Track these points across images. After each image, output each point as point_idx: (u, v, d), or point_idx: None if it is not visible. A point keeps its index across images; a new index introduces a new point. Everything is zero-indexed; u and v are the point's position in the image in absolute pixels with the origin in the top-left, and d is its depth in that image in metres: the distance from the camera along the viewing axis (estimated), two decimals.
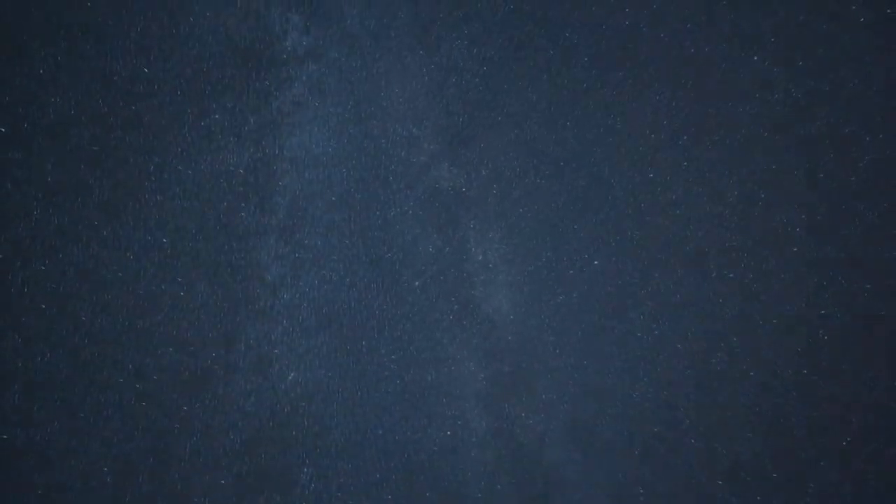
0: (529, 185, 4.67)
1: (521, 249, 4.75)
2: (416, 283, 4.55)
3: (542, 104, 4.57)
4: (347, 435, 4.54)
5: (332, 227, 4.49)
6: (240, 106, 4.16)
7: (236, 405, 4.37)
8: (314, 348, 4.53)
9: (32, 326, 3.96)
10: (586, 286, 4.77)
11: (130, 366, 4.15)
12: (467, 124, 4.59)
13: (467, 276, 4.72)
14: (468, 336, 4.74)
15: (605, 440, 4.87)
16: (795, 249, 4.57)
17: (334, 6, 4.23)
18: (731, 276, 4.66)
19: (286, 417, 4.48)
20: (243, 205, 4.21)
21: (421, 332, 4.66)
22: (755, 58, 4.45)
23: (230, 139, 4.11)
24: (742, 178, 4.66)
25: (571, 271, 4.76)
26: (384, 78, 4.37)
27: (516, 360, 4.84)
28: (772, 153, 4.55)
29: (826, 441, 4.54)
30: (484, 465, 4.81)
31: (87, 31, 3.67)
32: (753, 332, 4.64)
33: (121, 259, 4.09)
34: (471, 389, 4.80)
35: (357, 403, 4.56)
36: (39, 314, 3.94)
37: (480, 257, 4.71)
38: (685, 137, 4.67)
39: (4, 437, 3.82)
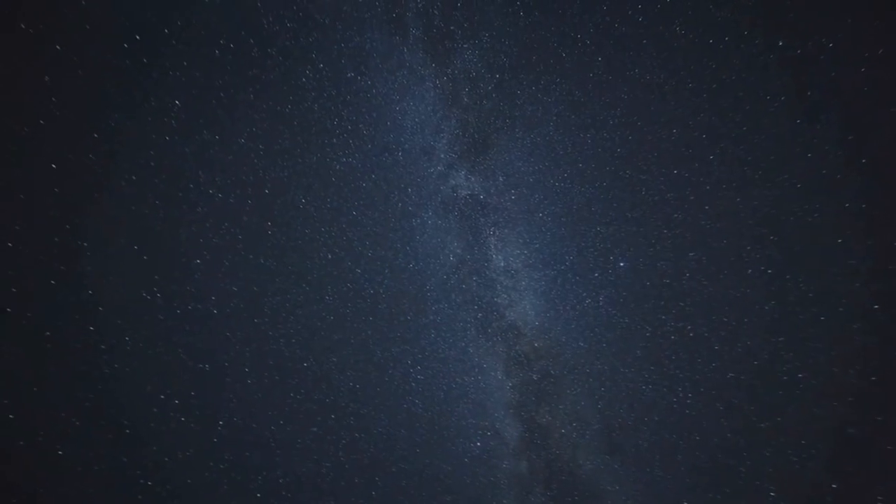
0: (548, 189, 4.58)
1: (544, 254, 4.64)
2: (439, 293, 4.52)
3: (557, 107, 4.49)
4: (375, 445, 4.51)
5: (355, 241, 4.54)
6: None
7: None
8: (339, 361, 4.55)
9: None
10: (613, 289, 4.59)
11: None
12: (483, 132, 4.57)
13: (490, 284, 4.65)
14: (493, 344, 4.65)
15: (644, 449, 4.62)
16: (840, 241, 4.24)
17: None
18: (769, 272, 4.37)
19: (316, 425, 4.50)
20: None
21: (445, 341, 4.61)
22: (781, 43, 4.22)
23: (256, 158, 4.27)
24: (776, 169, 4.39)
25: (597, 274, 4.60)
26: (398, 93, 4.44)
27: (544, 368, 4.69)
28: (807, 144, 4.28)
29: (894, 448, 4.12)
30: (517, 477, 4.65)
31: None
32: (800, 331, 4.31)
33: None
34: (499, 398, 4.68)
35: (384, 414, 4.54)
36: None
37: (502, 264, 4.64)
38: (711, 132, 4.46)
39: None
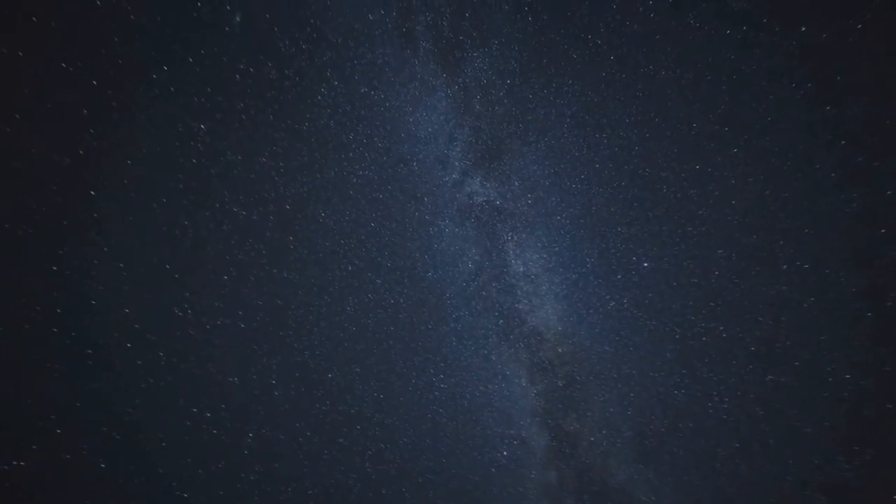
0: (565, 192, 4.49)
1: (563, 257, 4.53)
2: (459, 301, 4.47)
3: (570, 109, 4.42)
4: (401, 456, 4.46)
5: (374, 252, 4.57)
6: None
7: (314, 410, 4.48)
8: (362, 371, 4.55)
9: None
10: (638, 290, 4.43)
11: None
12: (496, 138, 4.55)
13: (509, 289, 4.57)
14: (516, 351, 4.55)
15: (679, 457, 4.38)
16: (884, 231, 3.95)
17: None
18: (806, 267, 4.11)
19: (338, 443, 4.50)
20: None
21: (467, 349, 4.54)
22: (803, 28, 4.03)
23: (273, 176, 4.38)
24: (806, 159, 4.16)
25: (620, 275, 4.45)
26: (411, 104, 4.48)
27: (569, 374, 4.55)
28: (838, 131, 4.04)
29: None
30: (546, 487, 4.49)
31: None
32: (844, 328, 4.02)
33: None
34: (524, 406, 4.56)
35: (408, 424, 4.49)
36: None
37: (521, 269, 4.56)
38: (733, 124, 4.28)
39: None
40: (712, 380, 4.23)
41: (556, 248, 4.43)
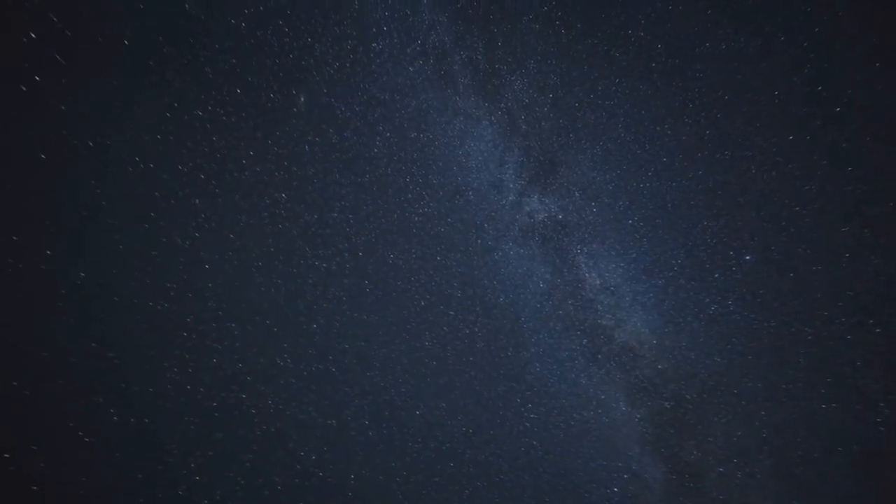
0: (633, 193, 3.99)
1: (644, 263, 3.96)
2: (535, 323, 4.09)
3: (622, 108, 4.02)
4: (499, 494, 4.03)
5: (443, 284, 4.45)
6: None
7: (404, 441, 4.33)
8: (448, 406, 4.32)
9: None
10: (744, 288, 3.66)
11: None
12: (548, 152, 4.27)
13: (588, 305, 4.09)
14: (607, 371, 3.97)
15: (850, 491, 3.34)
16: None
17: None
18: None
19: (438, 474, 4.23)
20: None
21: (553, 374, 4.09)
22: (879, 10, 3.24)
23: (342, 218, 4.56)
24: None
25: (717, 274, 3.73)
26: (458, 138, 4.45)
27: (677, 393, 3.82)
28: None
29: None
30: None
31: None
32: None
33: None
34: (629, 433, 3.90)
35: (502, 459, 4.08)
36: None
37: (598, 282, 4.07)
38: (828, 82, 3.52)
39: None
40: (873, 388, 3.24)
41: (634, 255, 3.89)
